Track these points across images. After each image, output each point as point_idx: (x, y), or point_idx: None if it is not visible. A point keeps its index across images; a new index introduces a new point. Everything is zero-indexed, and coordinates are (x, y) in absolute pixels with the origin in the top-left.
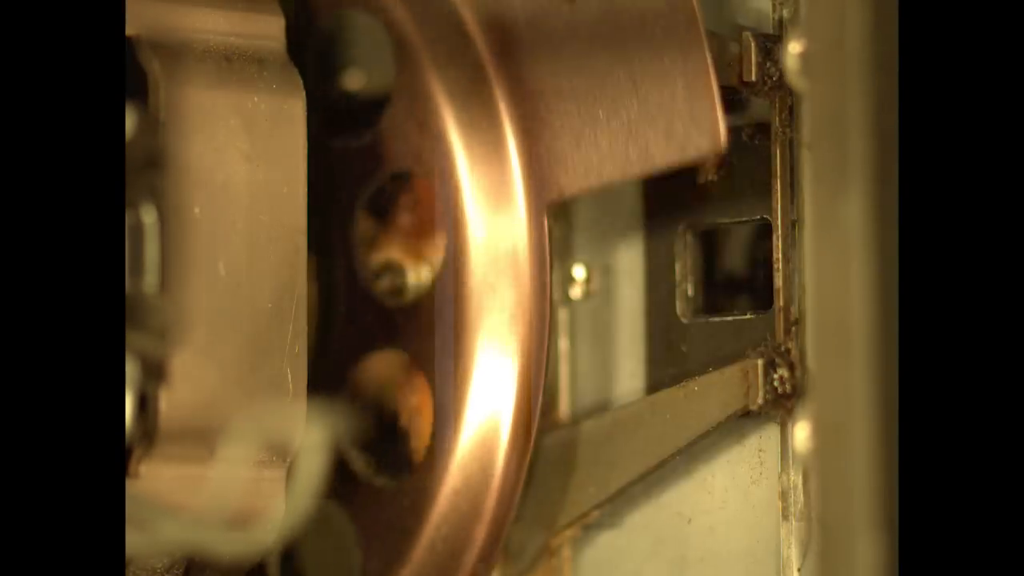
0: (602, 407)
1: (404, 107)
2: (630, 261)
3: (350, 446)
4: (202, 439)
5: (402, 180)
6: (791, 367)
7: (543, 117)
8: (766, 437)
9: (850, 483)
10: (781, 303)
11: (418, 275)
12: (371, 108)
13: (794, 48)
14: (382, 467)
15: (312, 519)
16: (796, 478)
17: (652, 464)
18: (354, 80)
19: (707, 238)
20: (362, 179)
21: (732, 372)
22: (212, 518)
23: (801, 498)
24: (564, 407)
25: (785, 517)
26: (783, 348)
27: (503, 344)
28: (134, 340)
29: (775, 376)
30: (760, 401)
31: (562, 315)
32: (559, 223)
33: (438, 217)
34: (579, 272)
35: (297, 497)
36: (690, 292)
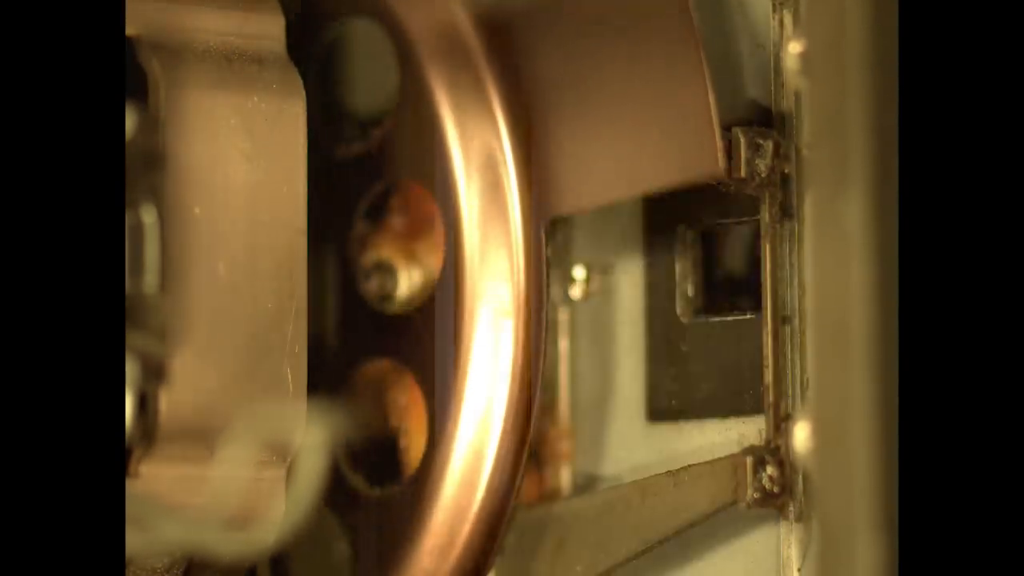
0: (602, 407)
1: (405, 117)
2: (630, 261)
3: (344, 456)
4: (202, 439)
5: (398, 191)
6: (780, 465)
7: (542, 130)
8: (766, 438)
9: (850, 483)
10: (771, 399)
11: (410, 278)
12: (372, 117)
13: (794, 48)
14: (375, 477)
15: (305, 528)
16: (796, 477)
17: (640, 549)
18: (356, 88)
19: (707, 238)
20: (361, 187)
21: (722, 466)
22: (212, 518)
23: (801, 498)
24: (564, 407)
25: (785, 517)
26: (773, 446)
27: (498, 351)
28: (134, 340)
29: (764, 475)
30: (748, 499)
31: (562, 315)
32: (559, 225)
33: (429, 222)
34: (579, 272)
35: (297, 497)
36: (690, 292)
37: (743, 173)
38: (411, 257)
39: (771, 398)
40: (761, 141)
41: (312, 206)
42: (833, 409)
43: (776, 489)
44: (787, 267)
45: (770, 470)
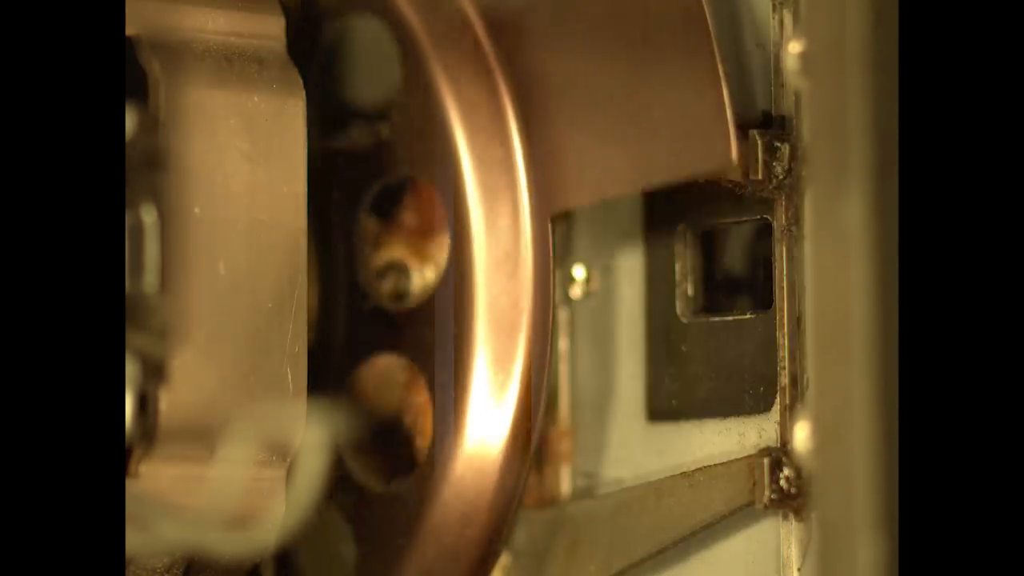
0: (602, 407)
1: (410, 111)
2: (630, 261)
3: (349, 450)
4: (202, 439)
5: (406, 184)
6: (797, 468)
7: (550, 123)
8: (767, 438)
9: (850, 483)
10: (788, 400)
11: (423, 277)
12: (377, 111)
13: (794, 48)
14: (381, 471)
15: (310, 523)
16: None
17: (653, 550)
18: (360, 83)
19: (707, 238)
20: (366, 182)
21: (738, 467)
22: (212, 518)
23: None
24: (564, 407)
25: (785, 517)
26: (789, 447)
27: (504, 348)
28: (134, 340)
29: (781, 475)
30: (765, 500)
31: (562, 315)
32: (560, 223)
33: (441, 220)
34: (579, 272)
35: (297, 497)
36: (690, 292)
37: (759, 175)
38: (423, 256)
39: (787, 400)
40: (779, 144)
41: (316, 200)
42: (833, 409)
43: (794, 490)
44: (800, 269)
45: (787, 471)
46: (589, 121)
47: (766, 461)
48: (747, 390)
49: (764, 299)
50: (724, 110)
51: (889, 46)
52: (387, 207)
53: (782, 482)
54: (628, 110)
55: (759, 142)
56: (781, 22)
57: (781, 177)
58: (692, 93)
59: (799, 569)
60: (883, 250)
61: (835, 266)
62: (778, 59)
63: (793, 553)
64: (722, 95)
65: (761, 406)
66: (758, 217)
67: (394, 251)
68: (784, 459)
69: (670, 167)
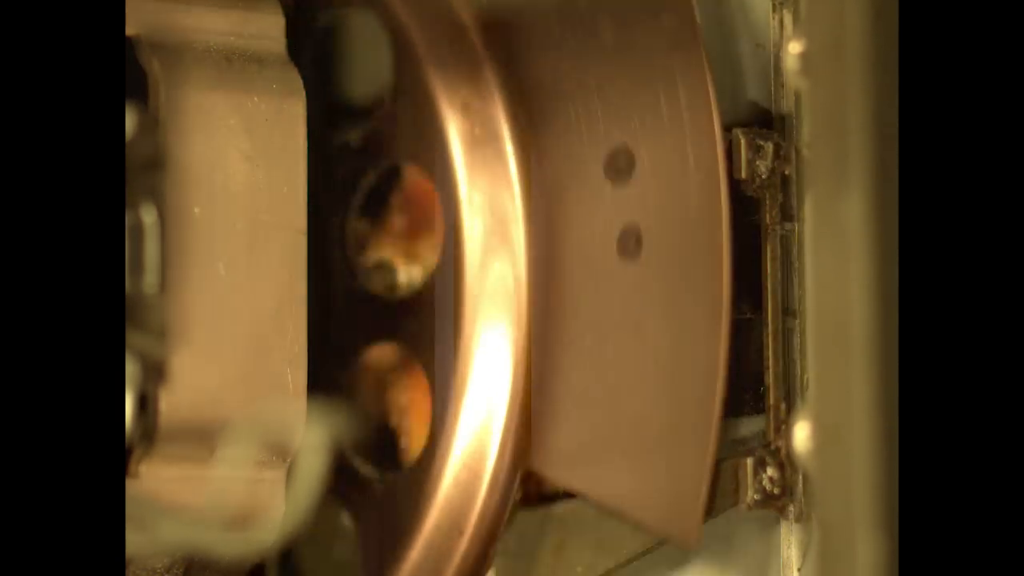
0: None
1: (402, 104)
2: None
3: (347, 443)
4: (202, 439)
5: (397, 176)
6: (781, 467)
7: (542, 114)
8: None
9: (850, 483)
10: (772, 400)
11: (409, 273)
12: (369, 105)
13: (794, 48)
14: (379, 464)
15: (310, 522)
16: (796, 478)
17: (640, 550)
18: (352, 77)
19: None
20: (358, 177)
21: (722, 468)
22: (212, 518)
23: (801, 498)
24: None
25: (785, 517)
26: (773, 447)
27: (500, 340)
28: (134, 340)
29: (764, 476)
30: (749, 501)
31: None
32: None
33: (435, 214)
34: None
35: (297, 497)
36: None
37: (744, 174)
38: (410, 256)
39: (771, 399)
40: (762, 142)
41: (310, 195)
42: (833, 409)
43: (777, 491)
44: (788, 267)
45: (770, 471)
46: (581, 109)
47: (749, 462)
48: (746, 390)
49: (764, 299)
50: (711, 111)
51: (889, 46)
52: (375, 207)
53: (765, 482)
54: (618, 97)
55: (742, 141)
56: (781, 22)
57: (765, 176)
58: (682, 83)
59: (799, 569)
60: (883, 249)
61: (835, 266)
62: (778, 59)
63: (793, 553)
64: (708, 90)
65: (760, 406)
66: (756, 217)
67: (382, 251)
68: (768, 459)
69: None
